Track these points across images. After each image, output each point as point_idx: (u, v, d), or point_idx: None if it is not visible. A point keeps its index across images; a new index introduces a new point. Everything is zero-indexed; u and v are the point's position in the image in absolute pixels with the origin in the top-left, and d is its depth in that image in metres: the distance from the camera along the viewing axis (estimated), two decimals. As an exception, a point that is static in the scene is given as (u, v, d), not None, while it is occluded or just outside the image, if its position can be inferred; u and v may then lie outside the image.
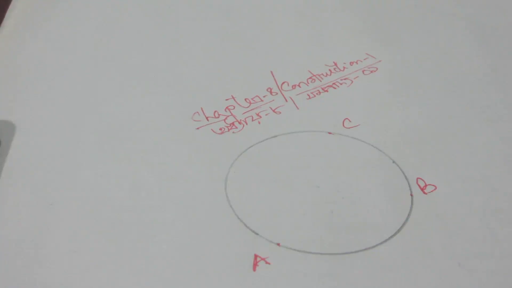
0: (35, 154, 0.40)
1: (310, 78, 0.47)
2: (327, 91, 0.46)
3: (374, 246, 0.35)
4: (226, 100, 0.45)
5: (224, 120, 0.43)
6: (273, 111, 0.44)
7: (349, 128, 0.43)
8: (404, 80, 0.47)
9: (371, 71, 0.48)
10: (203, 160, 0.40)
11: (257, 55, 0.49)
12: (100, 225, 0.36)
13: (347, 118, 0.43)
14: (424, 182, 0.39)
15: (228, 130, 0.42)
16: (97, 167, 0.39)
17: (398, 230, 0.36)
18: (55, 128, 0.42)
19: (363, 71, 0.48)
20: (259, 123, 0.43)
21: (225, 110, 0.44)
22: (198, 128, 0.42)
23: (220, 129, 0.42)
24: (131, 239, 0.35)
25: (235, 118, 0.43)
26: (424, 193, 0.38)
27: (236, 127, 0.42)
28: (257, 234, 0.35)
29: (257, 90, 0.46)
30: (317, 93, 0.46)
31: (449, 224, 0.36)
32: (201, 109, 0.44)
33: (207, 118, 0.43)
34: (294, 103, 0.45)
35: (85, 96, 0.45)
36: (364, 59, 0.49)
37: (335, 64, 0.48)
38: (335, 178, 0.39)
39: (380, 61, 0.49)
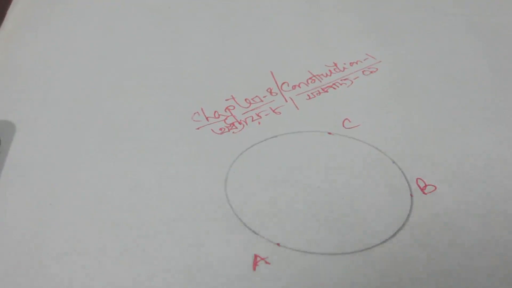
0: (35, 154, 0.40)
1: (310, 78, 0.47)
2: (327, 91, 0.46)
3: (373, 246, 0.35)
4: (226, 100, 0.45)
5: (224, 120, 0.43)
6: (273, 111, 0.44)
7: (349, 128, 0.43)
8: (404, 80, 0.47)
9: (371, 72, 0.48)
10: (203, 160, 0.40)
11: (257, 55, 0.49)
12: (100, 225, 0.36)
13: (347, 118, 0.43)
14: (424, 182, 0.39)
15: (228, 130, 0.42)
16: (97, 167, 0.39)
17: (398, 230, 0.36)
18: (55, 128, 0.42)
19: (363, 72, 0.48)
20: (259, 123, 0.43)
21: (225, 110, 0.44)
22: (198, 128, 0.42)
23: (220, 129, 0.42)
24: (131, 239, 0.35)
25: (235, 118, 0.43)
26: (424, 193, 0.38)
27: (236, 127, 0.42)
28: (257, 234, 0.35)
29: (257, 90, 0.46)
30: (317, 94, 0.46)
31: (449, 224, 0.36)
32: (201, 109, 0.44)
33: (207, 118, 0.43)
34: (294, 103, 0.45)
35: (85, 96, 0.45)
36: (364, 60, 0.49)
37: (335, 65, 0.48)
38: (335, 178, 0.39)
39: (380, 61, 0.49)
